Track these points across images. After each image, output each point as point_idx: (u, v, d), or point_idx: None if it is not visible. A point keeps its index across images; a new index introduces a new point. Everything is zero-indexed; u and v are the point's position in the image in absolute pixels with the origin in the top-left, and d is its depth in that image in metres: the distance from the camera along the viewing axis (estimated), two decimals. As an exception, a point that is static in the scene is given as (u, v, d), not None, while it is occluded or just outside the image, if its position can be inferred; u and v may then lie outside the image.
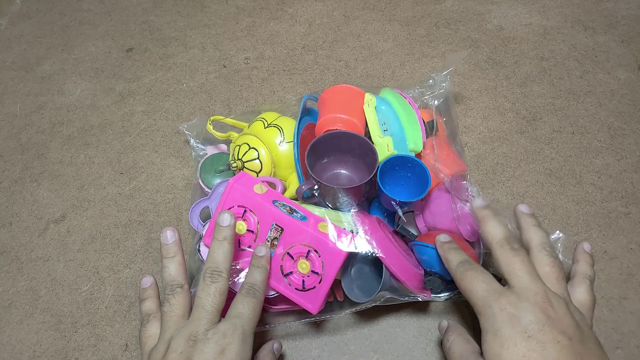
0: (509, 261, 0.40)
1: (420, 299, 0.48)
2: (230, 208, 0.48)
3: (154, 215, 0.61)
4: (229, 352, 0.38)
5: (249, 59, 0.78)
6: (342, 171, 0.55)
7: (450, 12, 0.82)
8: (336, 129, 0.52)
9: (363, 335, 0.51)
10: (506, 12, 0.81)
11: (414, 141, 0.52)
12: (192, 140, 0.64)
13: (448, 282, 0.50)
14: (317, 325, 0.52)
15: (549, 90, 0.70)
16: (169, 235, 0.45)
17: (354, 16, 0.83)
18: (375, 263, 0.49)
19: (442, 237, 0.47)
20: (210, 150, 0.63)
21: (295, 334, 0.51)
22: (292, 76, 0.75)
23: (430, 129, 0.55)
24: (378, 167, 0.49)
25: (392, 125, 0.54)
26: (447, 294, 0.49)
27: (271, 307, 0.50)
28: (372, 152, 0.50)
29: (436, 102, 0.60)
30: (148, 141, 0.69)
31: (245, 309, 0.40)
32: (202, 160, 0.61)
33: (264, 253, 0.45)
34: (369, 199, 0.56)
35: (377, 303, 0.47)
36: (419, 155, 0.53)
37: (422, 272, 0.48)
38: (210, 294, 0.40)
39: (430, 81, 0.61)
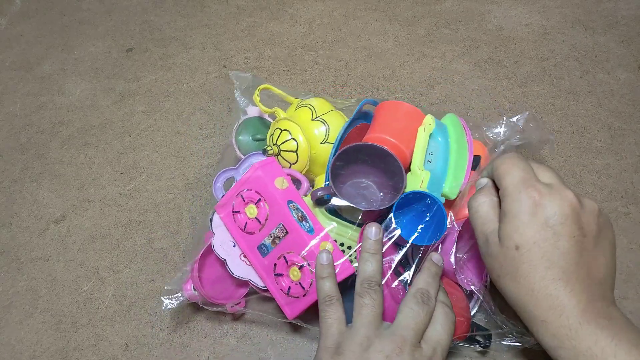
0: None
1: None
2: (246, 190, 0.48)
3: (154, 215, 0.61)
4: None
5: (249, 59, 0.78)
6: (366, 182, 0.53)
7: (450, 12, 0.82)
8: (374, 143, 0.49)
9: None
10: (506, 12, 0.81)
11: (450, 187, 0.49)
12: (237, 93, 0.62)
13: None
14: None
15: (549, 90, 0.70)
16: (374, 232, 0.44)
17: (354, 16, 0.83)
18: None
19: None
20: (251, 112, 0.60)
21: (296, 332, 0.51)
22: (292, 76, 0.75)
23: (475, 164, 0.52)
24: (399, 197, 0.47)
25: (438, 160, 0.50)
26: None
27: (261, 291, 0.50)
28: (401, 180, 0.48)
29: (502, 147, 0.54)
30: (148, 141, 0.68)
31: (443, 332, 0.40)
32: (240, 121, 0.58)
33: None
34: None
35: None
36: (449, 200, 0.50)
37: None
38: (413, 309, 0.40)
39: (502, 124, 0.55)
